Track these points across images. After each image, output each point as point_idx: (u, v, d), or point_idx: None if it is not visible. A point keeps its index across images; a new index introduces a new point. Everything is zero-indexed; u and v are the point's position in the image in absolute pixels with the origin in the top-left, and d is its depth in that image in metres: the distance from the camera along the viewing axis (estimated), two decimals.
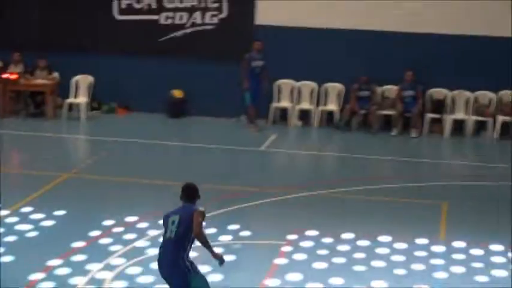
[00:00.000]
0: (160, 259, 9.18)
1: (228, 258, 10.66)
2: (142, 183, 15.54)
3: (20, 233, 12.74)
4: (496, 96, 20.16)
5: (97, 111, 21.36)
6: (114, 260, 11.79)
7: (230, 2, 20.86)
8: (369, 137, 19.87)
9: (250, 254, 12.29)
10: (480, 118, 20.11)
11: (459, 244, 12.84)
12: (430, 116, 20.23)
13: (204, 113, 20.81)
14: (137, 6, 21.16)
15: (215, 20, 21.04)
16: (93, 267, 11.48)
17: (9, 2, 21.44)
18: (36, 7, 21.33)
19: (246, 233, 13.01)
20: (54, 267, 11.43)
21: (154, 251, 10.62)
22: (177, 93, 21.07)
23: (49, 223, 13.22)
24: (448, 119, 20.14)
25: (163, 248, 9.20)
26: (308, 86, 20.89)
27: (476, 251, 12.61)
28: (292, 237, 12.87)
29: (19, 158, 17.98)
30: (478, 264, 12.11)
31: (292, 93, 20.95)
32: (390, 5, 20.15)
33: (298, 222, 13.55)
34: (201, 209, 9.18)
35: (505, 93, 20.11)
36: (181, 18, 21.10)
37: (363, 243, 12.77)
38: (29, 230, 12.86)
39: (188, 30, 21.10)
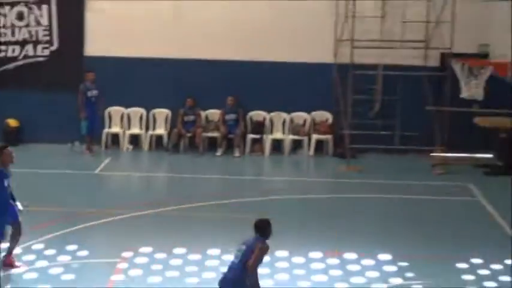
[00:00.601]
0: (224, 276, 9.54)
1: (67, 277, 10.56)
2: None
3: None
4: (310, 117, 20.78)
5: None
6: None
7: (60, 34, 20.67)
8: (196, 158, 20.07)
9: (88, 273, 12.18)
10: (296, 137, 20.68)
11: (282, 253, 13.17)
12: (251, 136, 20.65)
13: (40, 140, 20.46)
14: None
15: (46, 52, 20.78)
16: None
17: None
18: None
19: (83, 253, 12.89)
20: None
21: None
22: (12, 122, 20.63)
23: None
24: (268, 139, 20.62)
25: (229, 267, 9.56)
26: (137, 112, 20.92)
27: (298, 259, 12.98)
28: (127, 254, 12.86)
29: None
30: (299, 271, 12.46)
31: (122, 119, 20.92)
32: (210, 35, 20.47)
33: (133, 240, 13.54)
34: (265, 245, 9.46)
35: (318, 114, 20.77)
36: (13, 51, 20.74)
37: (194, 257, 12.91)
38: None
39: (20, 63, 20.75)
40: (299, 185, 18.20)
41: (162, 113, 20.88)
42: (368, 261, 12.90)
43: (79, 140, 20.30)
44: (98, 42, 20.60)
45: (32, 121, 20.50)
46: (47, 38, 20.71)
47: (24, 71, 20.74)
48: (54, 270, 11.98)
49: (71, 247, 13.07)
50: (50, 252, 12.60)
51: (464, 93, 13.07)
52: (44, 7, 20.65)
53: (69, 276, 11.54)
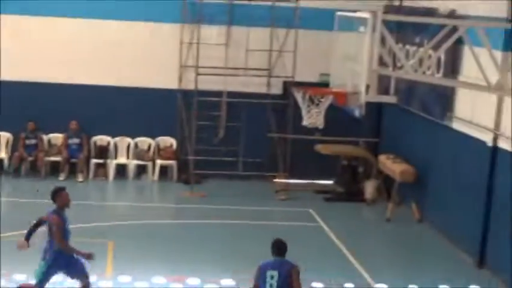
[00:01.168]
0: None
1: None
2: None
3: None
4: (154, 142, 20.84)
5: None
6: None
7: None
8: (38, 182, 19.72)
9: None
10: (141, 162, 20.68)
11: (125, 279, 13.17)
12: (94, 161, 20.50)
13: None
14: None
15: None
16: None
17: None
18: None
19: None
20: None
21: None
22: None
23: None
24: (112, 164, 20.53)
25: None
26: None
27: (142, 284, 13.02)
28: None
29: None
30: None
31: None
32: (52, 58, 20.23)
33: None
34: (297, 267, 9.79)
35: (162, 139, 20.87)
36: None
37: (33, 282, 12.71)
38: None
39: None
40: (143, 210, 18.21)
41: (3, 137, 20.41)
42: (211, 287, 13.07)
43: None
44: None
45: None
46: None
47: None
48: None
49: None
50: None
51: (306, 121, 13.51)
52: None
53: None
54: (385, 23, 11.46)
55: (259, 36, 20.37)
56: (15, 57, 19.95)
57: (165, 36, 20.39)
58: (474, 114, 15.89)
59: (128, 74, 20.50)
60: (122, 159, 20.72)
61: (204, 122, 20.02)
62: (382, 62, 11.97)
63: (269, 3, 20.02)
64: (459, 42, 14.14)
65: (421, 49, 17.01)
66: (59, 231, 11.17)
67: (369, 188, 19.72)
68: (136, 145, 20.80)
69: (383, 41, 11.63)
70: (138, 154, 20.72)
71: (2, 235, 15.01)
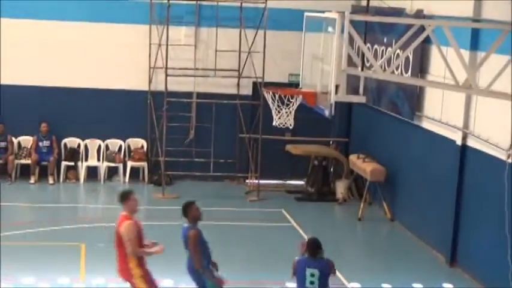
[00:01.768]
0: None
1: None
2: None
3: None
4: (125, 144, 20.86)
5: None
6: None
7: None
8: (8, 186, 19.66)
9: None
10: (112, 164, 20.69)
11: (98, 280, 13.21)
12: (65, 163, 20.48)
13: None
14: None
15: None
16: None
17: None
18: None
19: None
20: None
21: None
22: None
23: None
24: (83, 166, 20.52)
25: None
26: None
27: (114, 285, 13.07)
28: None
29: None
30: None
31: None
32: (21, 59, 20.18)
33: None
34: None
35: (133, 141, 20.89)
36: None
37: (4, 285, 12.74)
38: None
39: None
40: (114, 213, 18.16)
41: None
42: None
43: None
44: None
45: None
46: None
47: None
48: None
49: None
50: None
51: (276, 122, 13.61)
52: None
53: None
54: (353, 23, 11.60)
55: (228, 37, 20.47)
56: None
57: (134, 38, 20.39)
58: (443, 113, 16.09)
59: (97, 75, 20.51)
60: (92, 161, 20.71)
61: (174, 124, 20.09)
62: (351, 62, 12.11)
63: (237, 3, 20.12)
64: (427, 41, 14.35)
65: (390, 49, 17.25)
66: None
67: (340, 187, 19.89)
68: (107, 147, 20.80)
69: (351, 41, 11.76)
70: (109, 156, 20.72)
71: None
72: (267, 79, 19.58)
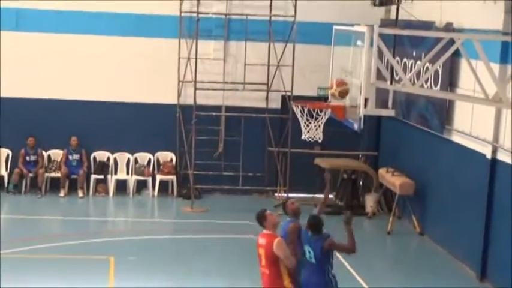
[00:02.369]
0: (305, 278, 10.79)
1: None
2: None
3: None
4: (154, 157, 20.93)
5: None
6: None
7: None
8: (38, 199, 19.81)
9: None
10: (140, 177, 20.77)
11: None
12: (94, 177, 20.59)
13: None
14: None
15: None
16: None
17: None
18: None
19: None
20: None
21: None
22: None
23: None
24: (112, 179, 20.62)
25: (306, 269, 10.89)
26: None
27: None
28: None
29: None
30: None
31: None
32: (52, 74, 20.33)
33: None
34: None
35: (162, 154, 20.96)
36: None
37: None
38: None
39: None
40: (143, 226, 18.29)
41: (3, 153, 20.49)
42: None
43: None
44: None
45: None
46: None
47: None
48: None
49: None
50: None
51: (305, 135, 13.61)
52: None
53: None
54: (382, 36, 11.59)
55: (257, 50, 20.52)
56: (15, 73, 20.06)
57: (163, 52, 20.49)
58: (473, 126, 16.00)
59: (127, 89, 20.61)
60: (121, 175, 20.80)
61: (203, 137, 20.15)
62: (380, 76, 12.09)
63: (266, 17, 20.17)
64: (456, 55, 14.28)
65: (419, 62, 17.19)
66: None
67: (369, 201, 19.83)
68: (136, 160, 20.89)
69: (380, 54, 11.75)
70: (138, 169, 20.80)
71: (2, 252, 15.07)
72: (296, 92, 19.59)
